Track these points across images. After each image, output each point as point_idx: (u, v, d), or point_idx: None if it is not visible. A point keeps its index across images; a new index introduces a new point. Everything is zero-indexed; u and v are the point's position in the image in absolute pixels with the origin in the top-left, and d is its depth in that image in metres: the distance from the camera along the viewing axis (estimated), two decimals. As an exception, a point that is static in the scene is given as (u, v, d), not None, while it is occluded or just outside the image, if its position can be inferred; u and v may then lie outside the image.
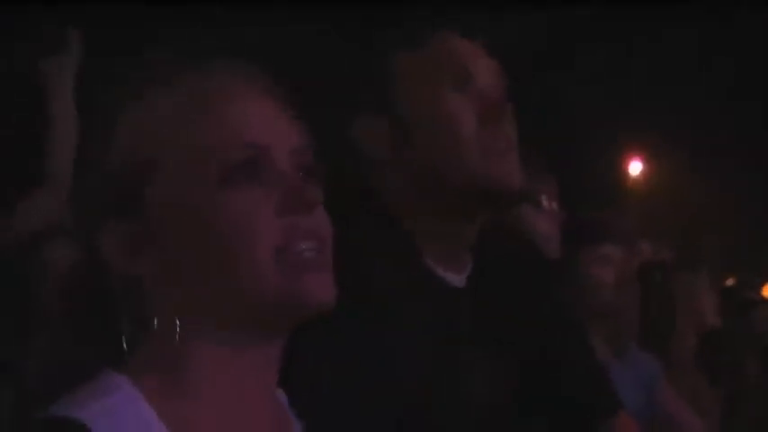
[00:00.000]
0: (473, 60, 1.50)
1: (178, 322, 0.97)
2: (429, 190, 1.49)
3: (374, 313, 1.38)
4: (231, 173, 0.98)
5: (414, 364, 1.42)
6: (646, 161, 18.50)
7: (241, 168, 0.98)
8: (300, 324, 1.01)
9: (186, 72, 1.04)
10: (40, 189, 2.29)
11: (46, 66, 2.36)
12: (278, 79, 1.06)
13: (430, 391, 1.44)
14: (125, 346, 0.99)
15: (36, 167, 2.29)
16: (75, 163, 2.15)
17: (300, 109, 1.06)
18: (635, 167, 18.78)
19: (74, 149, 2.28)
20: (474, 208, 1.50)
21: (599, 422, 1.70)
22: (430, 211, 1.50)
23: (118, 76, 1.07)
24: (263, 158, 0.99)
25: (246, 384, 1.00)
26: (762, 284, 6.26)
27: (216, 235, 0.96)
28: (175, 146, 0.99)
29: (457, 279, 1.53)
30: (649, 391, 2.86)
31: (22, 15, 2.38)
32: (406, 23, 1.57)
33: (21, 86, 2.40)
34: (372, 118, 1.51)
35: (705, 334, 3.35)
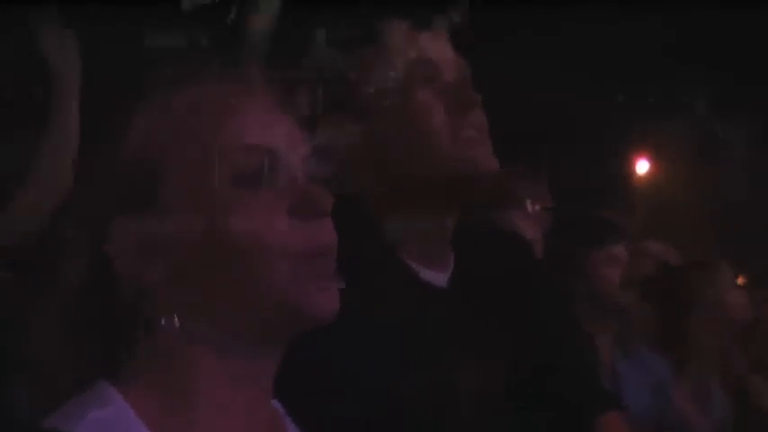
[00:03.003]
0: (437, 53, 1.49)
1: (177, 320, 0.96)
2: (403, 184, 1.47)
3: (358, 317, 1.35)
4: (240, 175, 0.96)
5: (398, 367, 1.39)
6: (653, 160, 18.46)
7: (250, 171, 0.97)
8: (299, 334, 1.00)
9: (195, 74, 1.03)
10: (23, 189, 2.24)
11: (53, 59, 2.32)
12: (289, 87, 1.05)
13: (416, 393, 1.41)
14: (124, 355, 0.97)
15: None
16: (83, 162, 2.12)
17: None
18: (642, 166, 18.74)
19: (72, 151, 2.24)
20: (449, 197, 1.48)
21: (588, 420, 1.64)
22: (406, 208, 1.48)
23: (128, 76, 1.06)
24: (273, 162, 0.98)
25: (242, 399, 0.99)
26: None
27: (226, 238, 0.95)
28: (186, 145, 0.98)
29: (440, 278, 1.51)
30: (658, 392, 2.85)
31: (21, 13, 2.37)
32: (364, 17, 1.53)
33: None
34: (338, 118, 1.49)
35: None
